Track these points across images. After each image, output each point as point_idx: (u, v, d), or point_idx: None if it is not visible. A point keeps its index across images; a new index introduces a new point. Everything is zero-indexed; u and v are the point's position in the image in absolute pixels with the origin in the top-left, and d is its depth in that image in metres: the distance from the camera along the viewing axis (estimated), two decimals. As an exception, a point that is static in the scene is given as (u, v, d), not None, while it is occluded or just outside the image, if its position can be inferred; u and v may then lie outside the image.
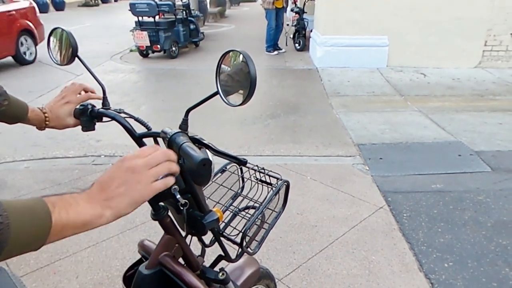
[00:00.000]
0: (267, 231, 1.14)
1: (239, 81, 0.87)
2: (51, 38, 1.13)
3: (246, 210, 1.17)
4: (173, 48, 8.06)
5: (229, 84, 0.89)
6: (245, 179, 1.23)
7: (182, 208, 0.81)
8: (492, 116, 4.61)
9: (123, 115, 1.04)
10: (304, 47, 8.58)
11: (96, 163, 3.50)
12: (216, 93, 0.88)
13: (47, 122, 1.06)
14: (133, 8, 7.52)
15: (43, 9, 18.91)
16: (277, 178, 1.16)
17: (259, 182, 1.19)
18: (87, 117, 1.07)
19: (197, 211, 0.94)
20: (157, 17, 7.78)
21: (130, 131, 0.99)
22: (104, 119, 1.07)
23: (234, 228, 1.11)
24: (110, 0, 27.27)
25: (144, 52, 8.07)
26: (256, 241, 1.12)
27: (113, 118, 1.02)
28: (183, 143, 0.77)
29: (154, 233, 2.41)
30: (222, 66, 0.89)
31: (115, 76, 6.71)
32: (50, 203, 0.56)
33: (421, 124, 4.39)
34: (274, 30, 8.23)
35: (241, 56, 0.85)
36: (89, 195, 0.62)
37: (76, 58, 1.10)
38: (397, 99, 5.37)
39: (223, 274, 1.09)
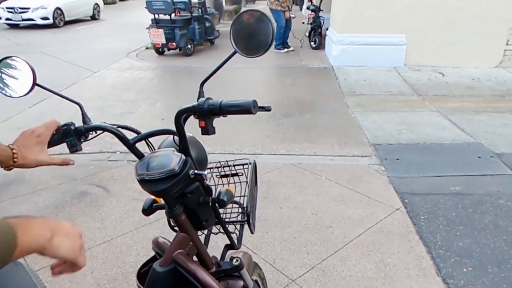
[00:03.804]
0: (253, 212, 1.25)
1: (255, 37, 0.96)
2: None
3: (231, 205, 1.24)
4: (189, 46, 8.09)
5: (244, 44, 0.98)
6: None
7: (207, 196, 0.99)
8: (514, 117, 4.48)
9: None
10: (320, 46, 8.51)
11: (112, 159, 3.53)
12: (234, 53, 0.96)
13: (15, 159, 0.92)
14: (149, 5, 7.58)
15: (62, 6, 19.13)
16: (244, 164, 1.26)
17: (221, 177, 1.27)
18: (72, 137, 1.02)
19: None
20: (173, 14, 7.81)
21: (123, 139, 1.01)
22: (90, 135, 1.05)
23: (229, 219, 1.23)
24: (127, -2, 27.44)
25: (160, 50, 8.12)
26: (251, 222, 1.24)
27: (104, 129, 1.02)
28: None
29: (168, 231, 2.40)
30: (236, 26, 0.98)
31: (131, 73, 6.77)
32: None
33: (439, 125, 4.29)
34: (284, 29, 8.23)
35: (255, 13, 0.96)
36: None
37: (36, 86, 1.04)
38: (414, 98, 5.27)
39: (237, 260, 1.14)
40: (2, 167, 0.93)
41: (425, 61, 6.84)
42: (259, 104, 0.92)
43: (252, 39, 0.97)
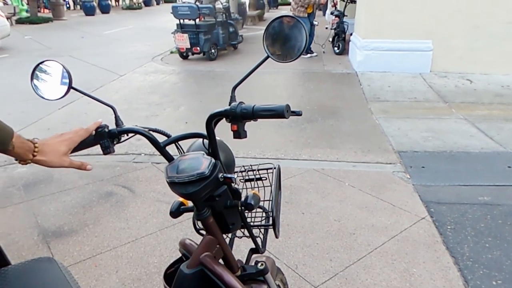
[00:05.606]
0: (278, 217, 1.23)
1: (288, 42, 0.98)
2: (37, 73, 1.08)
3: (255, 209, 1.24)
4: (212, 50, 8.19)
5: (277, 49, 1.00)
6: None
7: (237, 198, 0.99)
8: (546, 126, 4.32)
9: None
10: (344, 51, 8.45)
11: (137, 161, 3.60)
12: (266, 58, 0.97)
13: (35, 152, 0.93)
14: (175, 11, 7.72)
15: (91, 11, 19.85)
16: (268, 168, 1.26)
17: (246, 182, 1.26)
18: (106, 139, 1.06)
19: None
20: (197, 20, 7.94)
21: (154, 142, 1.03)
22: (122, 138, 1.09)
23: (253, 223, 1.22)
24: (152, 3, 28.14)
25: (184, 54, 8.25)
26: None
27: (136, 132, 1.05)
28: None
29: (191, 232, 2.43)
30: (269, 32, 0.99)
31: (156, 77, 6.90)
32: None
33: (467, 133, 4.18)
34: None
35: (289, 19, 0.98)
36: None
37: (72, 90, 1.08)
38: (440, 105, 5.16)
39: (262, 264, 1.14)
40: (18, 161, 0.94)
41: (452, 67, 6.69)
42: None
43: (285, 44, 0.98)
